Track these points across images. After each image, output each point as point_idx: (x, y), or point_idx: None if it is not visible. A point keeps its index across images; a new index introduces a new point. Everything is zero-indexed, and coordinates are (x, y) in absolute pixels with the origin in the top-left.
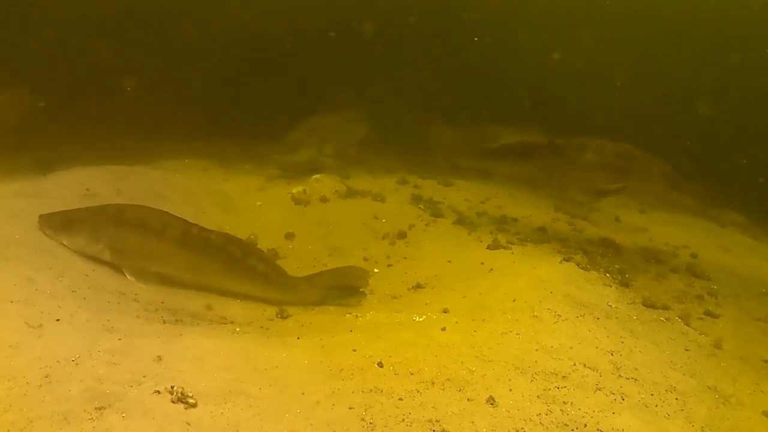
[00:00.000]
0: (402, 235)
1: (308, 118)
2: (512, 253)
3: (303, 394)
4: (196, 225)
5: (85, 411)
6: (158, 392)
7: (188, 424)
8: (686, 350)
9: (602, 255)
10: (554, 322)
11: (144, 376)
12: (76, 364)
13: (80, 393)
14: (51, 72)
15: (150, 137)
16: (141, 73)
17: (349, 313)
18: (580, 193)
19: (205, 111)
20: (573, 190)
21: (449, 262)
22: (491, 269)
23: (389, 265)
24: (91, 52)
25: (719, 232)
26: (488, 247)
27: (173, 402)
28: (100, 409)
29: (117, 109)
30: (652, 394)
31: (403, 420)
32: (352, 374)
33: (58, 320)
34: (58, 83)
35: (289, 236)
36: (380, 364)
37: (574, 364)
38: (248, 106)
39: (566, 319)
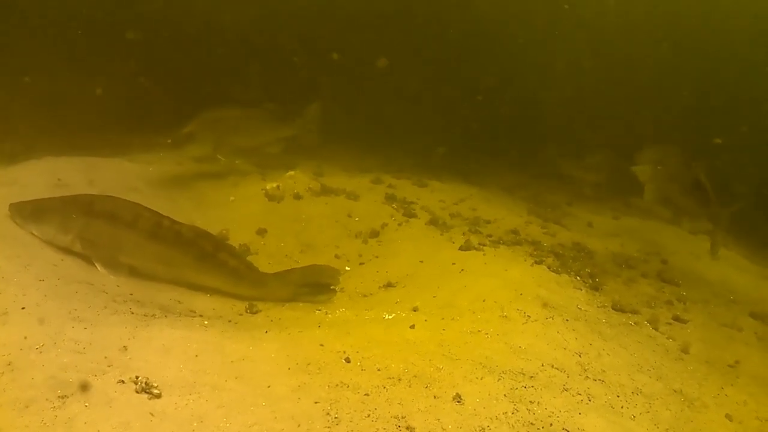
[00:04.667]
0: (375, 234)
1: (207, 110)
2: (484, 254)
3: (269, 387)
4: (168, 218)
5: (47, 399)
6: (122, 382)
7: (152, 414)
8: (654, 354)
9: (574, 259)
10: (523, 323)
11: (109, 366)
12: (40, 352)
13: (43, 381)
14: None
15: (125, 130)
16: (118, 66)
17: (319, 310)
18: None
19: (180, 106)
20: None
21: (421, 261)
22: (462, 270)
23: (361, 264)
24: (68, 43)
25: (690, 239)
26: (460, 248)
27: (137, 392)
28: (63, 397)
29: (93, 101)
30: (618, 396)
31: (369, 415)
32: (318, 369)
33: (23, 308)
34: (36, 73)
35: (261, 232)
36: (347, 360)
37: (542, 365)
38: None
39: (535, 320)
